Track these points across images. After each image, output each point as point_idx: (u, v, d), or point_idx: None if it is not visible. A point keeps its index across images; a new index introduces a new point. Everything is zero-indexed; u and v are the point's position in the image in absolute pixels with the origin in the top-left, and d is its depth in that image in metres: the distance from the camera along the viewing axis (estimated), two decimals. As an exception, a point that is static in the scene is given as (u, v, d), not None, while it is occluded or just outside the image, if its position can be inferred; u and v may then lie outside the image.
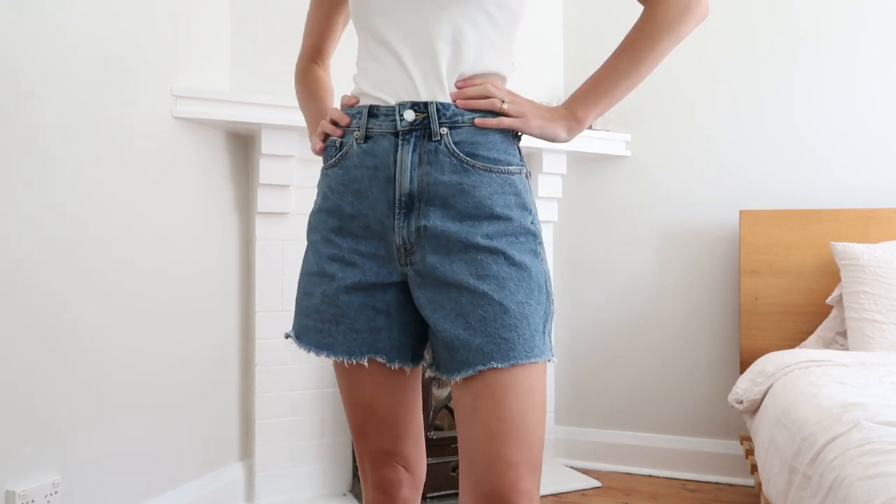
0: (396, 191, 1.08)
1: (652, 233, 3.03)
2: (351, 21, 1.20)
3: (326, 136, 1.18)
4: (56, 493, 1.76)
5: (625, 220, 3.07)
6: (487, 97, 1.08)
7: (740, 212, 2.78)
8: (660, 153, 3.03)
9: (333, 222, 1.13)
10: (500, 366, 1.02)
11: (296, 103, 2.32)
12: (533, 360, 1.03)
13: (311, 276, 1.15)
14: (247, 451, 2.52)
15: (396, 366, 1.14)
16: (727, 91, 2.93)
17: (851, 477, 1.27)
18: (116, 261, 1.98)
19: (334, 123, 1.16)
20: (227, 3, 2.44)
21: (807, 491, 1.46)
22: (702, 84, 2.96)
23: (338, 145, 1.14)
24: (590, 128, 2.97)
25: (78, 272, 1.86)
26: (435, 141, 1.07)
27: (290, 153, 2.44)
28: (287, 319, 2.51)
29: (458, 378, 1.05)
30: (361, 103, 1.13)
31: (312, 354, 1.17)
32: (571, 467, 3.03)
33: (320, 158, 2.72)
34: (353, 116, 1.13)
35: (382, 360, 1.13)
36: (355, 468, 2.60)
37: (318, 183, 1.19)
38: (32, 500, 1.69)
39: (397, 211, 1.08)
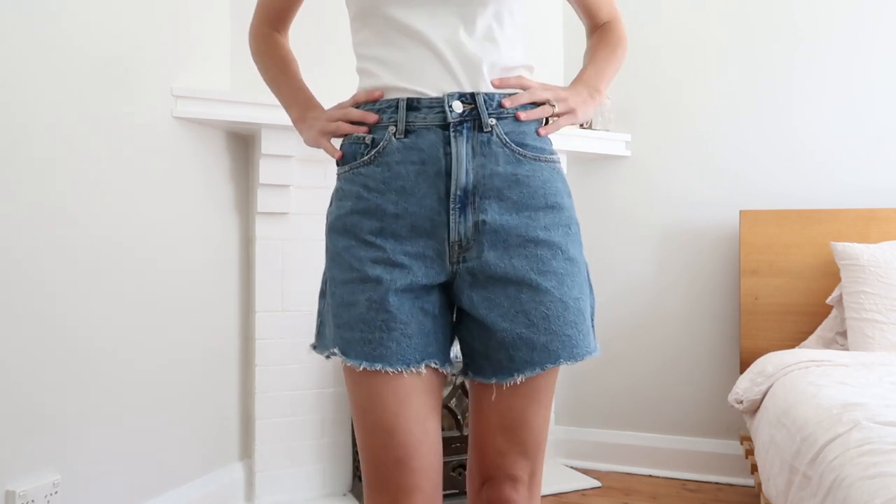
0: (452, 185, 1.04)
1: (652, 233, 3.03)
2: (352, 9, 1.14)
3: (330, 136, 1.14)
4: (56, 493, 1.76)
5: (625, 220, 3.07)
6: (539, 103, 1.11)
7: (740, 212, 2.78)
8: (660, 153, 3.02)
9: (373, 224, 1.06)
10: (568, 363, 1.04)
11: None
12: (593, 355, 1.07)
13: (350, 285, 1.05)
14: (247, 451, 2.52)
15: (447, 369, 1.09)
16: (727, 91, 2.93)
17: (851, 477, 1.27)
18: (117, 260, 1.98)
19: (353, 122, 1.10)
20: (227, 3, 2.44)
21: (807, 491, 1.46)
22: (702, 84, 2.96)
23: (368, 142, 1.07)
24: (589, 127, 2.97)
25: (78, 272, 1.86)
26: (486, 132, 1.06)
27: (290, 153, 2.44)
28: (287, 319, 2.50)
29: (520, 378, 1.05)
30: (389, 96, 1.07)
31: (316, 356, 1.13)
32: (571, 467, 3.03)
33: (321, 157, 2.71)
34: (380, 111, 1.08)
35: (436, 365, 1.06)
36: (355, 468, 2.60)
37: (343, 184, 1.10)
38: (32, 500, 1.69)
39: (452, 206, 1.04)
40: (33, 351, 1.74)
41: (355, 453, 2.60)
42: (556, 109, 1.12)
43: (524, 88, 1.10)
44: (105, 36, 1.93)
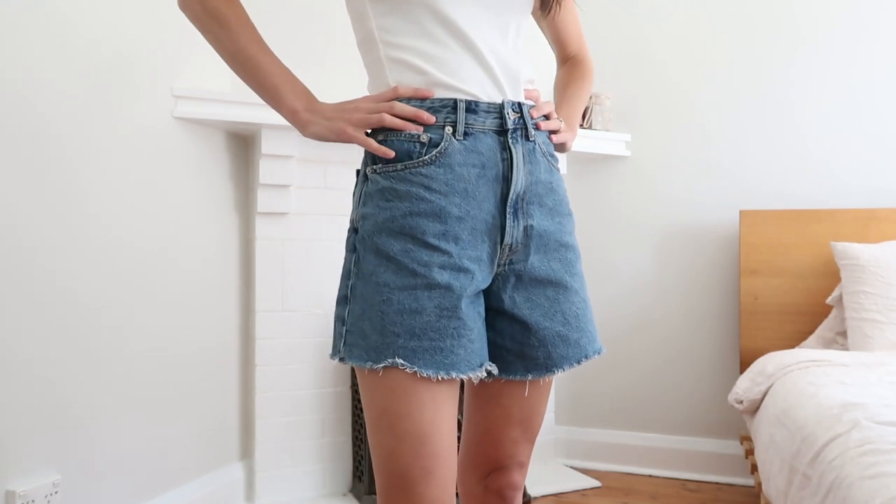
0: (511, 190, 1.07)
1: (652, 233, 3.03)
2: None
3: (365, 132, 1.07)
4: (56, 493, 1.76)
5: (625, 220, 3.07)
6: (553, 117, 1.18)
7: (740, 212, 2.78)
8: (660, 153, 3.03)
9: (437, 226, 1.02)
10: (594, 357, 1.13)
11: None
12: (604, 349, 1.17)
13: (412, 291, 1.00)
14: (247, 451, 2.52)
15: (496, 373, 1.09)
16: (727, 91, 2.93)
17: (851, 477, 1.27)
18: (116, 260, 1.98)
19: (404, 118, 1.04)
20: (227, 3, 2.44)
21: (807, 491, 1.46)
22: (702, 84, 2.96)
23: (425, 140, 1.04)
24: (589, 127, 2.97)
25: (77, 273, 1.86)
26: (531, 141, 1.11)
27: (290, 153, 2.44)
28: (287, 319, 2.50)
29: (559, 373, 1.12)
30: (440, 95, 1.05)
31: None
32: (571, 467, 3.03)
33: (321, 157, 2.70)
34: (432, 110, 1.04)
35: (490, 368, 1.06)
36: (355, 468, 2.60)
37: (394, 183, 1.04)
38: (32, 500, 1.69)
39: (509, 210, 1.07)
40: (33, 351, 1.74)
41: (355, 453, 2.61)
42: (563, 126, 1.19)
43: (536, 102, 1.15)
44: (105, 36, 1.93)
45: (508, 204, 1.07)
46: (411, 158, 1.04)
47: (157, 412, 2.14)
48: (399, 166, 1.04)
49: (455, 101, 1.04)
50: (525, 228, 1.09)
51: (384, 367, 0.99)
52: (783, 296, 2.70)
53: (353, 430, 2.62)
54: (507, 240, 1.07)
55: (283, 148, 2.42)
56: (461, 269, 1.02)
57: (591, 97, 2.99)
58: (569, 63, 1.38)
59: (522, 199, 1.08)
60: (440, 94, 1.05)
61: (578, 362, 1.12)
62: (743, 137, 2.91)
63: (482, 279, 1.06)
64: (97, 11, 1.90)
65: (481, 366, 1.04)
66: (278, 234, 2.52)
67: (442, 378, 0.99)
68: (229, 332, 2.46)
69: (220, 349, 2.42)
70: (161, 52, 2.15)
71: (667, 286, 3.01)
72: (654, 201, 3.03)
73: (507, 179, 1.07)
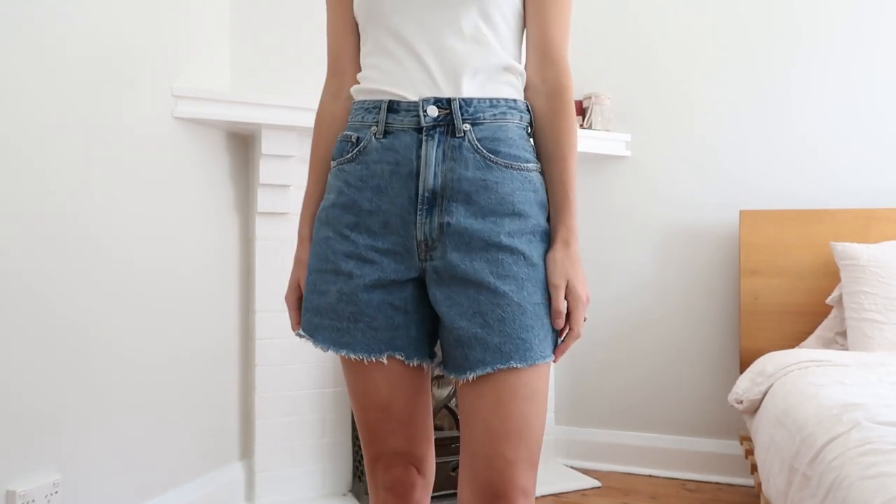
0: (420, 186, 1.09)
1: (652, 233, 3.03)
2: (360, 21, 1.18)
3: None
4: (56, 493, 1.77)
5: (625, 220, 3.07)
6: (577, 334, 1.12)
7: (740, 212, 2.78)
8: (660, 153, 3.02)
9: (349, 218, 1.12)
10: (519, 366, 1.05)
11: (295, 103, 2.34)
12: (548, 360, 1.08)
13: (323, 274, 1.13)
14: (247, 451, 2.52)
15: (415, 363, 1.14)
16: (727, 91, 2.93)
17: (851, 477, 1.27)
18: (116, 261, 1.98)
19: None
20: (227, 3, 2.44)
21: (807, 491, 1.46)
22: (702, 84, 2.96)
23: (354, 140, 1.14)
24: (589, 127, 2.97)
25: (78, 273, 1.86)
26: (458, 137, 1.09)
27: (290, 153, 2.44)
28: (287, 319, 2.50)
29: (471, 376, 1.07)
30: (374, 98, 1.13)
31: (320, 352, 1.14)
32: (571, 467, 3.03)
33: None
34: (368, 111, 1.13)
35: (401, 358, 1.13)
36: (355, 468, 2.60)
37: (331, 178, 1.18)
38: (33, 500, 1.69)
39: (420, 207, 1.09)
40: (33, 351, 1.74)
41: (355, 453, 2.61)
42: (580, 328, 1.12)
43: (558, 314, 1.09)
44: (105, 36, 1.93)
45: (419, 200, 1.09)
46: (342, 156, 1.16)
47: (158, 412, 2.14)
48: (335, 163, 1.18)
49: (381, 102, 1.11)
50: (441, 225, 1.09)
51: (298, 336, 1.18)
52: (783, 296, 2.70)
53: (353, 429, 2.62)
54: (420, 235, 1.10)
55: (283, 148, 2.42)
56: (365, 260, 1.11)
57: (590, 97, 2.99)
58: (542, 93, 1.14)
59: (441, 196, 1.08)
60: (375, 97, 1.13)
61: (493, 368, 1.04)
62: (743, 137, 2.91)
63: (393, 270, 1.11)
64: (97, 11, 1.90)
65: (383, 353, 1.12)
66: (278, 234, 2.52)
67: (343, 355, 1.12)
68: (229, 332, 2.46)
69: (220, 349, 2.42)
70: (161, 52, 2.15)
71: (667, 286, 3.01)
72: (654, 201, 3.03)
73: (419, 176, 1.09)
